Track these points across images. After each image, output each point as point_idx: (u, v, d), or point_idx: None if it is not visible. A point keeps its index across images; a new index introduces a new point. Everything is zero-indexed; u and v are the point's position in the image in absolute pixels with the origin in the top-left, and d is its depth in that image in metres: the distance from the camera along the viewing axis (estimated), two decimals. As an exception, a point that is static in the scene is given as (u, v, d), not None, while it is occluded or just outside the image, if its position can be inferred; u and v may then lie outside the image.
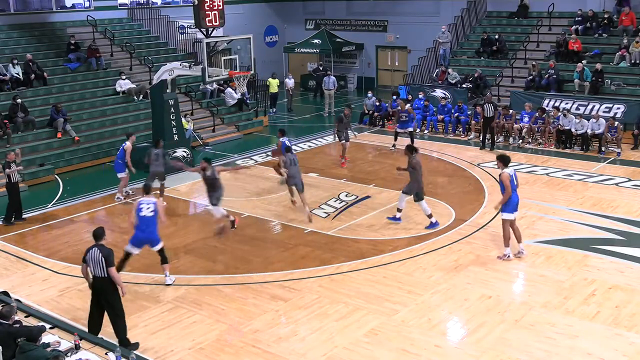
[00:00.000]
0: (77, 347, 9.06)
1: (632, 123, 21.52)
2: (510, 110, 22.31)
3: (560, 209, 15.79)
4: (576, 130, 21.13)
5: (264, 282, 12.27)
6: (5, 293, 11.17)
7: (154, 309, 11.33)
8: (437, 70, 28.03)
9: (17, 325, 9.12)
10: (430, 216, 14.71)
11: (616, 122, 20.92)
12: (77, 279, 12.57)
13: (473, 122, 23.14)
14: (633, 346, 9.85)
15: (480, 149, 21.51)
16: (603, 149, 20.73)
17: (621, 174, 18.53)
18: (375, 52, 34.90)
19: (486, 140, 21.56)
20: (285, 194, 16.66)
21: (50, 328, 9.76)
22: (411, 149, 14.87)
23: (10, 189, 15.72)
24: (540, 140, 21.82)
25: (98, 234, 10.05)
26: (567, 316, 10.76)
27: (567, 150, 21.07)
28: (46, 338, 9.16)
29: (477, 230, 14.58)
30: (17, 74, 22.43)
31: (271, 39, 36.90)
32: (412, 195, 14.69)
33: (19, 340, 8.56)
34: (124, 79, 24.58)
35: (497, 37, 27.72)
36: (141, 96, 24.37)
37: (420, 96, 24.62)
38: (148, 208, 11.88)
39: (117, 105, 23.91)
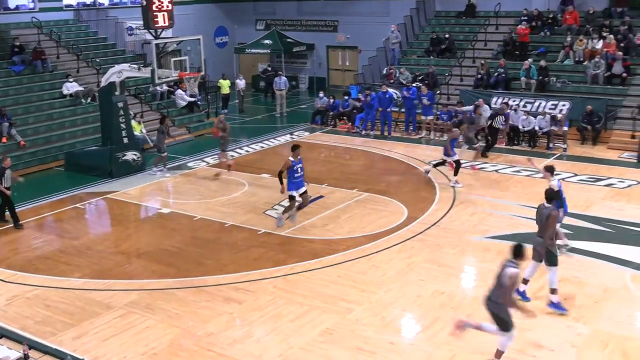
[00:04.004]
0: (26, 357, 8.87)
1: (577, 119, 22.01)
2: (464, 108, 22.53)
3: (510, 205, 16.08)
4: (523, 127, 21.56)
5: (217, 285, 12.17)
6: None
7: (105, 315, 11.12)
8: (385, 68, 28.21)
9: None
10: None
11: (559, 116, 21.54)
12: (25, 287, 12.30)
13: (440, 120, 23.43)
14: (581, 337, 10.09)
15: (482, 156, 20.58)
16: (551, 144, 21.19)
17: (568, 169, 18.96)
18: (326, 52, 35.00)
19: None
20: (237, 196, 16.52)
21: (-2, 338, 9.54)
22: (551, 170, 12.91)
23: (3, 194, 15.64)
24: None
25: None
26: (518, 310, 10.93)
27: (515, 147, 21.44)
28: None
29: (429, 228, 14.74)
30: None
31: (221, 39, 36.66)
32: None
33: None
34: (71, 82, 24.09)
35: (446, 36, 28.05)
36: (89, 99, 23.94)
37: (374, 92, 24.55)
38: None
39: (65, 108, 23.42)
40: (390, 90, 24.70)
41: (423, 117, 23.58)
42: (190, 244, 14.29)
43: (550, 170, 12.82)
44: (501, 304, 8.83)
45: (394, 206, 16.20)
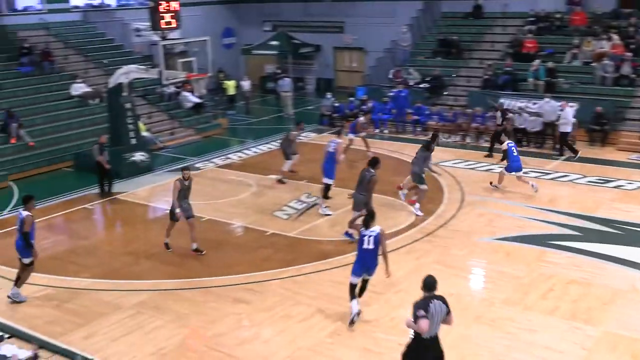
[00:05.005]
0: (35, 357, 8.89)
1: (586, 121, 21.90)
2: (468, 110, 22.51)
3: (518, 206, 16.03)
4: (533, 128, 21.50)
5: (226, 286, 12.19)
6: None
7: (114, 315, 11.15)
8: (391, 70, 28.12)
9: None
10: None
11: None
12: (35, 287, 12.29)
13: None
14: (591, 339, 10.06)
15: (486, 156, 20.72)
16: (557, 146, 21.04)
17: (576, 170, 18.90)
18: (333, 54, 34.98)
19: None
20: (245, 197, 16.53)
21: (8, 337, 9.56)
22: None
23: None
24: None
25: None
26: (526, 311, 10.93)
27: (523, 148, 21.33)
28: (5, 349, 8.94)
29: (437, 229, 14.72)
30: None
31: (228, 41, 36.68)
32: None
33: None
34: (79, 83, 24.17)
35: (455, 37, 27.94)
36: (97, 100, 24.01)
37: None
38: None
39: (72, 109, 23.49)
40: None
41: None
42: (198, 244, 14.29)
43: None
44: None
45: (402, 207, 16.18)
